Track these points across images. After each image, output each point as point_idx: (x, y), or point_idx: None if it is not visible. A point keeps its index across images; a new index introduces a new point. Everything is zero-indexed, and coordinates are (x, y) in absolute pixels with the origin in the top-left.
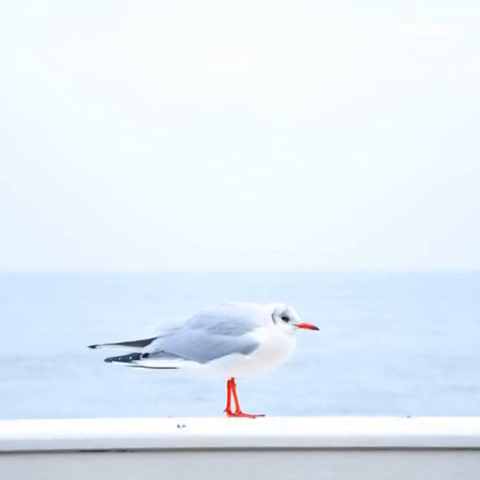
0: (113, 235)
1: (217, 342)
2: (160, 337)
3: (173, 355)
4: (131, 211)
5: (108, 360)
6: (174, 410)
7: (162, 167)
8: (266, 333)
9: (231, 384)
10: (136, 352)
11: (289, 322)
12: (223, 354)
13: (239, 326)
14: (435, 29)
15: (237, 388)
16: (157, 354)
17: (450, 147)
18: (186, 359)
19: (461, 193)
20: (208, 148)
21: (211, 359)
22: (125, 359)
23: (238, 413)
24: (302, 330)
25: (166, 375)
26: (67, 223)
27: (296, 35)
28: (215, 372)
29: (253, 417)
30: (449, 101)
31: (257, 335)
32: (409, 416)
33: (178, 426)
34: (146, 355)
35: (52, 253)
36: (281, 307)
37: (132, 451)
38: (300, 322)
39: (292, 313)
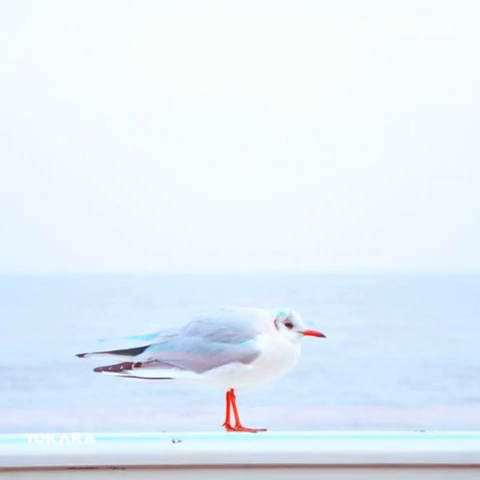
0: (103, 234)
1: (215, 350)
2: (154, 345)
3: (168, 364)
4: (124, 210)
5: (97, 370)
6: (169, 424)
7: (158, 162)
8: (268, 340)
9: (230, 396)
10: (128, 361)
11: (293, 329)
12: (222, 363)
13: (239, 333)
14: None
15: (237, 400)
16: (150, 363)
17: (471, 140)
18: (182, 369)
19: None
20: (209, 141)
21: (209, 369)
22: (116, 369)
23: (238, 427)
24: (307, 337)
25: (160, 386)
26: (53, 223)
27: (305, 19)
28: (213, 383)
29: (254, 431)
30: (471, 90)
31: (258, 343)
32: (423, 430)
33: (173, 441)
34: (138, 364)
35: (36, 254)
36: (284, 312)
37: (123, 468)
38: (305, 329)
39: (296, 319)
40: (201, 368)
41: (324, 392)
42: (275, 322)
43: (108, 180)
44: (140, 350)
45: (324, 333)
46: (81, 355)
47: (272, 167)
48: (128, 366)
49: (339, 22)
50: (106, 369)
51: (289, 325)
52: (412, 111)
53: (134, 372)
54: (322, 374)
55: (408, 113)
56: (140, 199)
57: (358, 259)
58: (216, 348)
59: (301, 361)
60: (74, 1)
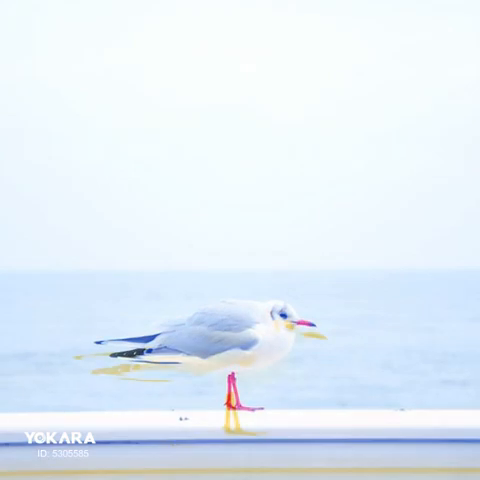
0: (117, 236)
1: (218, 338)
2: (163, 333)
3: (176, 350)
4: (135, 213)
5: (113, 355)
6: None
7: (164, 168)
8: (265, 329)
9: (231, 378)
10: (140, 348)
11: (287, 319)
12: (224, 350)
13: (239, 323)
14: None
15: (237, 382)
16: (160, 349)
17: (449, 148)
18: (188, 354)
19: (456, 195)
20: (211, 147)
21: (212, 354)
22: (130, 354)
23: (238, 406)
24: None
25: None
26: (73, 225)
27: (299, 40)
28: (216, 367)
29: (252, 410)
30: (446, 103)
31: (256, 331)
32: (402, 409)
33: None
34: (150, 350)
35: (58, 254)
36: (279, 304)
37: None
38: (297, 318)
39: (290, 310)
40: (205, 354)
41: (315, 376)
42: (271, 313)
43: (121, 187)
44: (151, 338)
45: (314, 322)
46: (99, 342)
47: (270, 172)
48: (140, 352)
49: (339, 23)
50: (121, 355)
51: (284, 316)
52: (411, 113)
53: (146, 357)
54: (313, 360)
55: (391, 126)
56: (151, 204)
57: (352, 258)
58: (219, 336)
59: (294, 348)
60: (84, 18)
